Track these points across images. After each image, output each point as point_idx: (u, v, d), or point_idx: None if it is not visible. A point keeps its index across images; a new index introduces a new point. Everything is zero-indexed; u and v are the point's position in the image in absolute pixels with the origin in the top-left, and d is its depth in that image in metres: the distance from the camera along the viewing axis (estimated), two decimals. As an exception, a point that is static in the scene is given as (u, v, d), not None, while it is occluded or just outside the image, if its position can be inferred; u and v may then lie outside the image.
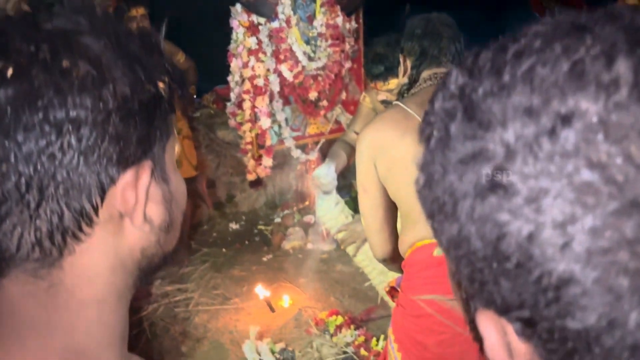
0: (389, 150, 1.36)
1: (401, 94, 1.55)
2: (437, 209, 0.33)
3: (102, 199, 0.45)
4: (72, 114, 0.41)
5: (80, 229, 0.45)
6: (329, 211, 2.14)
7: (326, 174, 2.12)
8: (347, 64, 3.69)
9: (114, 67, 0.44)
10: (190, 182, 3.72)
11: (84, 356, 0.46)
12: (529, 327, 0.29)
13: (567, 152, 0.26)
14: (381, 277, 2.17)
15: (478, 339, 0.36)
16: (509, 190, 0.27)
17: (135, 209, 0.47)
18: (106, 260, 0.48)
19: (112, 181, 0.45)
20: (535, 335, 0.29)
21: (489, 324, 0.32)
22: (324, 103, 3.53)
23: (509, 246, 0.28)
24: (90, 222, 0.45)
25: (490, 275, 0.30)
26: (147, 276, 0.54)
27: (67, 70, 0.42)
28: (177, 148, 0.54)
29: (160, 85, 0.48)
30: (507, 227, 0.28)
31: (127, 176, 0.46)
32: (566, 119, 0.26)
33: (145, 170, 0.47)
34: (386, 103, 2.04)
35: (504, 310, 0.30)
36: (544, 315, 0.28)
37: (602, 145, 0.25)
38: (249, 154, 3.56)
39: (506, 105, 0.28)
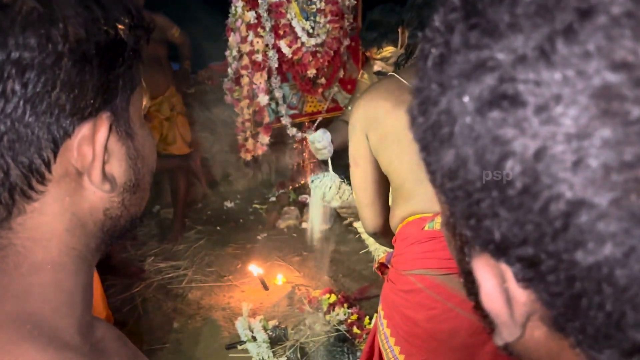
0: (381, 122, 1.32)
1: (398, 65, 1.52)
2: (430, 136, 0.29)
3: (55, 154, 0.41)
4: (14, 55, 0.37)
5: (31, 187, 0.41)
6: (326, 190, 2.12)
7: (321, 137, 2.11)
8: (346, 42, 3.63)
9: (65, 5, 0.39)
10: (184, 159, 3.68)
11: (39, 322, 0.42)
12: (530, 268, 0.26)
13: (585, 53, 0.22)
14: (382, 249, 2.16)
15: (473, 292, 0.33)
16: (515, 100, 0.24)
17: (93, 166, 0.43)
18: (62, 220, 0.44)
19: (67, 134, 0.41)
20: (537, 278, 0.26)
21: (485, 270, 0.29)
22: (322, 80, 3.48)
23: (512, 168, 0.24)
24: (42, 179, 0.41)
25: (489, 207, 0.26)
26: (114, 239, 0.50)
27: (8, 6, 0.37)
28: (144, 101, 0.50)
29: (121, 27, 0.44)
30: (511, 144, 0.24)
31: (84, 129, 0.42)
32: (586, 14, 0.22)
33: (104, 123, 0.43)
34: (381, 74, 2.00)
35: (503, 250, 0.27)
36: (549, 250, 0.24)
37: (629, 42, 0.22)
38: (247, 132, 3.52)
39: (515, 7, 0.24)
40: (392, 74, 1.40)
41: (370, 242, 2.22)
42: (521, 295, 0.28)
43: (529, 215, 0.24)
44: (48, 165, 0.41)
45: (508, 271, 0.28)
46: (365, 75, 2.45)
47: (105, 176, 0.44)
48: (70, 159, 0.42)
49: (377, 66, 1.90)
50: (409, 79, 1.36)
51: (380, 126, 1.33)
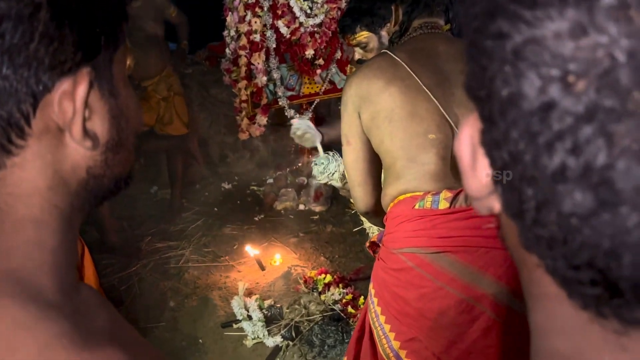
0: (373, 100, 1.32)
1: (392, 42, 1.51)
2: None
3: (35, 108, 0.41)
4: None
5: (10, 141, 0.41)
6: (324, 170, 2.12)
7: (299, 124, 2.11)
8: (344, 22, 3.59)
9: None
10: (181, 140, 3.68)
11: (21, 279, 0.42)
12: (487, 132, 0.28)
13: None
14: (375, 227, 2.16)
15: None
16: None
17: (74, 121, 0.43)
18: (44, 177, 0.44)
19: (46, 89, 0.41)
20: (492, 144, 0.28)
21: (467, 125, 0.32)
22: (320, 61, 3.45)
23: None
24: (22, 133, 0.41)
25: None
26: (98, 200, 0.50)
27: None
28: (128, 61, 0.50)
29: None
30: None
31: (65, 84, 0.42)
32: None
33: (84, 78, 0.43)
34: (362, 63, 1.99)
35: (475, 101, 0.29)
36: (498, 121, 0.27)
37: None
38: (243, 113, 3.50)
39: None
40: (386, 51, 1.39)
41: (365, 220, 2.22)
42: (483, 159, 0.30)
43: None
44: (27, 120, 0.41)
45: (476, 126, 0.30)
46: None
47: (86, 133, 0.44)
48: (51, 114, 0.42)
49: (357, 55, 1.89)
50: (402, 56, 1.35)
51: (372, 104, 1.32)
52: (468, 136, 0.31)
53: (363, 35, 1.79)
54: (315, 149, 2.17)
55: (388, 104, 1.30)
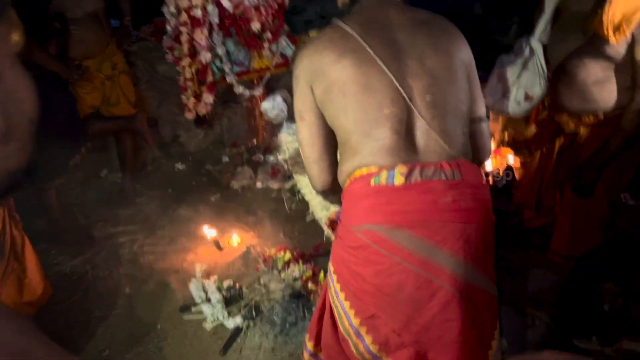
0: (326, 73, 1.28)
1: (342, 13, 1.46)
2: None
3: None
4: None
5: None
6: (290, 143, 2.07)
7: (272, 105, 2.05)
8: (292, -7, 3.49)
9: None
10: (129, 121, 3.54)
11: None
12: None
13: None
14: (325, 212, 2.14)
15: None
16: None
17: None
18: None
19: None
20: None
21: None
22: (268, 35, 3.34)
23: None
24: None
25: None
26: None
27: None
28: (15, 36, 0.43)
29: None
30: None
31: None
32: None
33: None
34: None
35: None
36: None
37: None
38: (189, 91, 3.37)
39: None
40: (336, 21, 1.35)
41: (309, 198, 2.19)
42: None
43: None
44: None
45: None
46: (313, 31, 2.37)
47: None
48: None
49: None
50: (354, 27, 1.31)
51: (325, 78, 1.28)
52: None
53: (314, 34, 1.74)
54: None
55: (341, 76, 1.26)
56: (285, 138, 2.10)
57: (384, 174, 1.24)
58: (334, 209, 2.19)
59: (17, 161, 0.43)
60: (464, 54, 1.36)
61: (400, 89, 1.26)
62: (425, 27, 1.33)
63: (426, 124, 1.27)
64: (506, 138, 3.29)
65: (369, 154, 1.27)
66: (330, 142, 1.39)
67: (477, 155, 1.43)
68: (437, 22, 1.37)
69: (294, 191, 3.71)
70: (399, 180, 1.22)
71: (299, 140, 1.43)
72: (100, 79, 3.37)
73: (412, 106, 1.26)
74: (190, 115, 3.46)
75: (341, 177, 1.37)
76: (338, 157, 1.41)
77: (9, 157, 0.42)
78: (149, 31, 4.13)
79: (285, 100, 2.07)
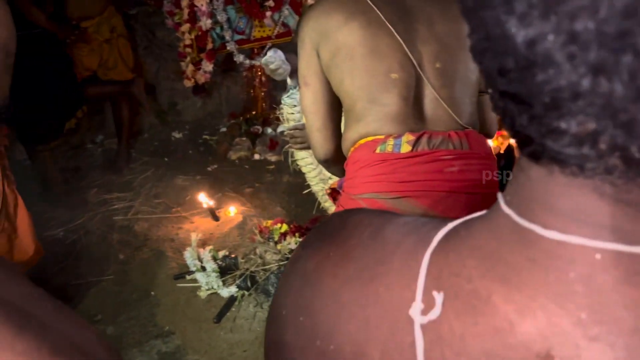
0: (333, 36, 1.23)
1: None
2: None
3: None
4: None
5: None
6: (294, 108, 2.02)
7: (273, 57, 2.00)
8: (296, -40, 3.40)
9: None
10: (126, 85, 3.47)
11: None
12: None
13: None
14: (321, 185, 2.11)
15: None
16: None
17: None
18: None
19: None
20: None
21: None
22: (270, 3, 3.27)
23: None
24: None
25: None
26: None
27: None
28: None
29: None
30: None
31: None
32: None
33: None
34: None
35: None
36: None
37: None
38: (188, 58, 3.31)
39: None
40: (345, -16, 1.29)
41: (307, 169, 2.15)
42: None
43: None
44: None
45: None
46: None
47: None
48: None
49: (310, 0, 1.79)
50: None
51: (331, 40, 1.23)
52: None
53: None
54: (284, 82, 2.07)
55: (349, 40, 1.21)
56: (287, 110, 2.05)
57: (390, 142, 1.20)
58: (331, 181, 2.16)
59: None
60: None
61: (409, 54, 1.21)
62: None
63: (435, 92, 1.23)
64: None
65: (374, 120, 1.23)
66: (335, 109, 1.34)
67: (484, 127, 1.39)
68: None
69: (291, 164, 3.68)
70: (405, 148, 1.19)
71: (302, 107, 1.38)
72: (98, 42, 3.29)
73: (421, 73, 1.22)
74: (188, 83, 3.40)
75: (345, 144, 1.33)
76: (342, 126, 1.38)
77: None
78: (149, -6, 4.03)
79: (289, 60, 2.02)
